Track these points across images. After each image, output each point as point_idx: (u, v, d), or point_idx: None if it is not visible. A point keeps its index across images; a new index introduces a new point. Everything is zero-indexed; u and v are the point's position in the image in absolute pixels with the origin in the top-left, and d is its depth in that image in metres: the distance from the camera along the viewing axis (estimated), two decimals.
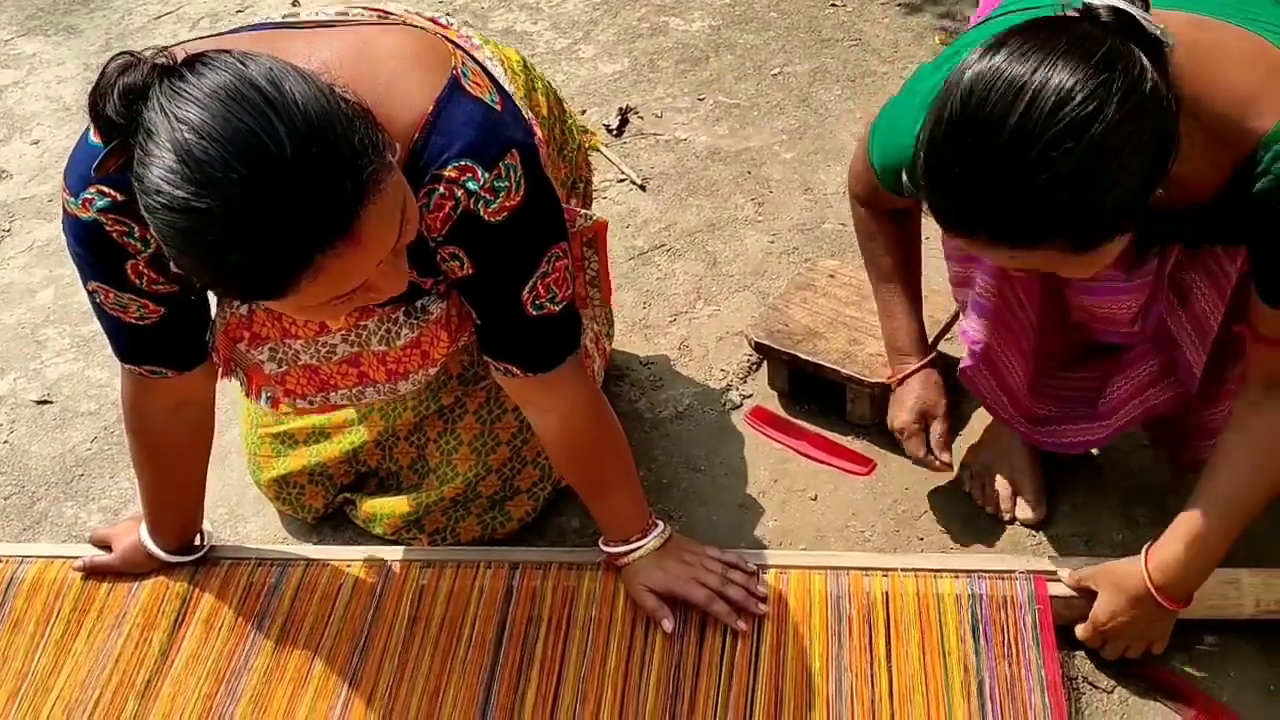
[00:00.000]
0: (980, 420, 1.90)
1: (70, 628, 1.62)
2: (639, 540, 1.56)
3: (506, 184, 1.28)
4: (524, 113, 1.41)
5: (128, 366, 1.46)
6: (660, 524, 1.59)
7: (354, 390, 1.51)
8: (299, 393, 1.52)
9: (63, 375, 2.22)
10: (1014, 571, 1.55)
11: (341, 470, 1.80)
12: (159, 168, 1.02)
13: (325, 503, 1.82)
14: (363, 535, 1.80)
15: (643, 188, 2.51)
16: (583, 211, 1.58)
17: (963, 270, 1.56)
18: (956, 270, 1.59)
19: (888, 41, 2.89)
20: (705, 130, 2.67)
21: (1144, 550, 1.44)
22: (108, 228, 1.28)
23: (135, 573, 1.67)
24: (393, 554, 1.68)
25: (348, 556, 1.68)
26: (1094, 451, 1.80)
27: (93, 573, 1.68)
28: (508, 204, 1.28)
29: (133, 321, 1.38)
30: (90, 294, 1.37)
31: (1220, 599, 1.50)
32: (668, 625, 1.54)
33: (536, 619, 1.56)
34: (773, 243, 2.34)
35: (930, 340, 1.80)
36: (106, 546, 1.70)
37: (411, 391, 1.55)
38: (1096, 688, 1.52)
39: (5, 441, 2.10)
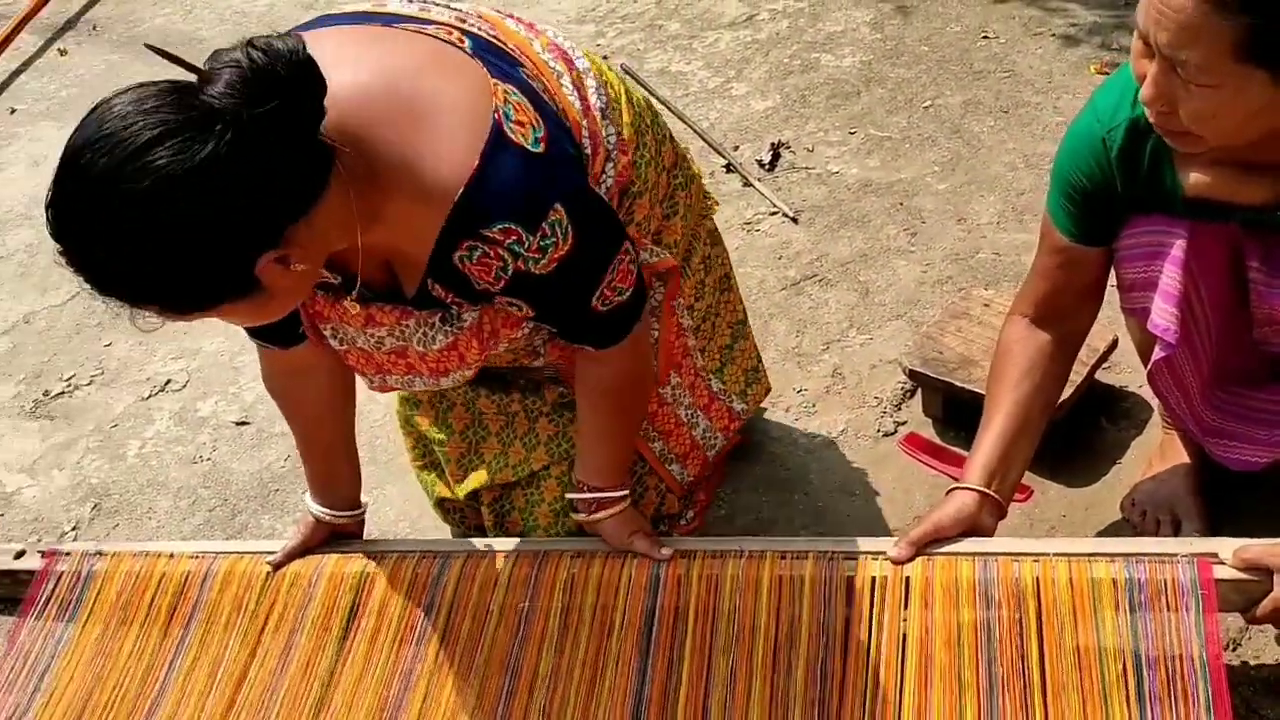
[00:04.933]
0: (1139, 449, 1.90)
1: (255, 620, 1.73)
2: (622, 491, 1.65)
3: (553, 239, 1.33)
4: (573, 127, 1.44)
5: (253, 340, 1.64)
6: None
7: (405, 378, 1.59)
8: (359, 369, 1.61)
9: (258, 398, 2.40)
10: (1176, 555, 1.44)
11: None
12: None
13: (494, 522, 1.93)
14: None
15: (795, 220, 2.58)
16: (650, 246, 1.62)
17: (1146, 270, 1.50)
18: (1138, 274, 1.51)
19: (1041, 72, 2.90)
20: (857, 163, 2.72)
21: None
22: None
23: (315, 546, 1.78)
24: (544, 545, 1.74)
25: (503, 548, 1.74)
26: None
27: (282, 564, 1.78)
28: (557, 255, 1.34)
29: None
30: None
31: None
32: (667, 552, 1.61)
33: (684, 606, 1.59)
34: (925, 272, 2.37)
35: (1088, 369, 1.82)
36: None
37: (453, 388, 1.63)
38: (1257, 713, 1.51)
39: (209, 459, 2.29)
